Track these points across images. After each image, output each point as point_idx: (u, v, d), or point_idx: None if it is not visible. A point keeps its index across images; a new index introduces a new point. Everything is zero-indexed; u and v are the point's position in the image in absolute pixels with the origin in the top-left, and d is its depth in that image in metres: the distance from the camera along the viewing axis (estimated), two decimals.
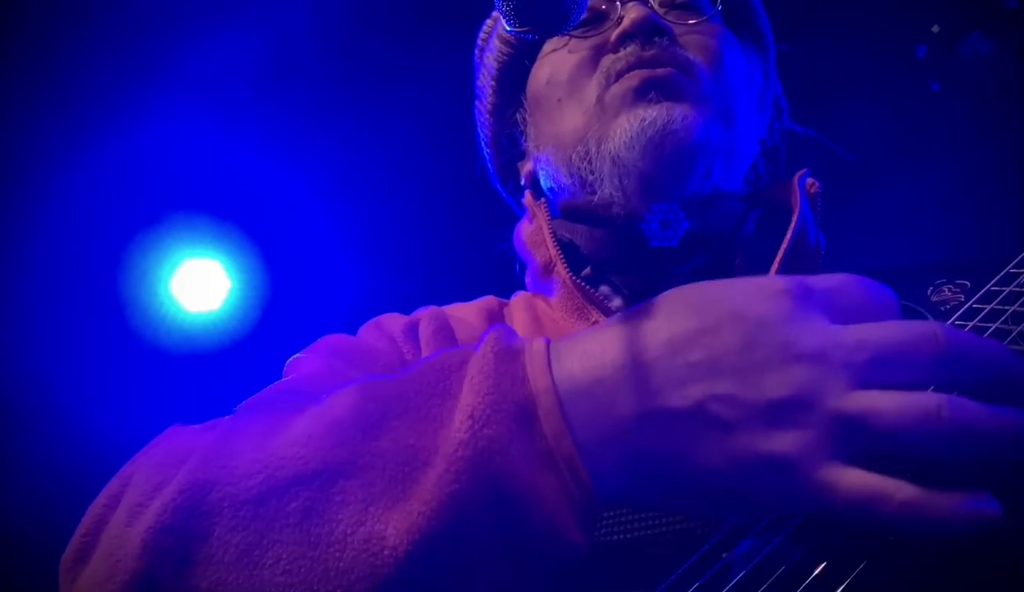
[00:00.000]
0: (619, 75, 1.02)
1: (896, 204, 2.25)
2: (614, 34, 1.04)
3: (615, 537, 0.59)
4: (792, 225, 1.00)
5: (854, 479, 0.46)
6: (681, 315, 0.52)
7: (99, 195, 2.34)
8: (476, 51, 1.29)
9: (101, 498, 0.60)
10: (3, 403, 2.27)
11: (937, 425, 0.45)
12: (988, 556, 0.45)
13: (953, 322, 0.66)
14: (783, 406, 0.47)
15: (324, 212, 2.60)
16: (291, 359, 0.98)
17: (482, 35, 1.27)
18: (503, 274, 1.32)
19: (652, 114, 0.96)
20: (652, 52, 1.01)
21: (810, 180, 1.07)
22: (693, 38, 1.06)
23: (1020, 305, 0.64)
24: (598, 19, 1.09)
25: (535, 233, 1.10)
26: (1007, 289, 0.67)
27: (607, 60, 1.04)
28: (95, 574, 0.53)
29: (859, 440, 0.46)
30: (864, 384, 0.47)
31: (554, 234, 1.05)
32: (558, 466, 0.50)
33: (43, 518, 2.04)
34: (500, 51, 1.20)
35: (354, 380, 0.69)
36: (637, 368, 0.51)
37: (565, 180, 1.09)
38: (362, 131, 2.52)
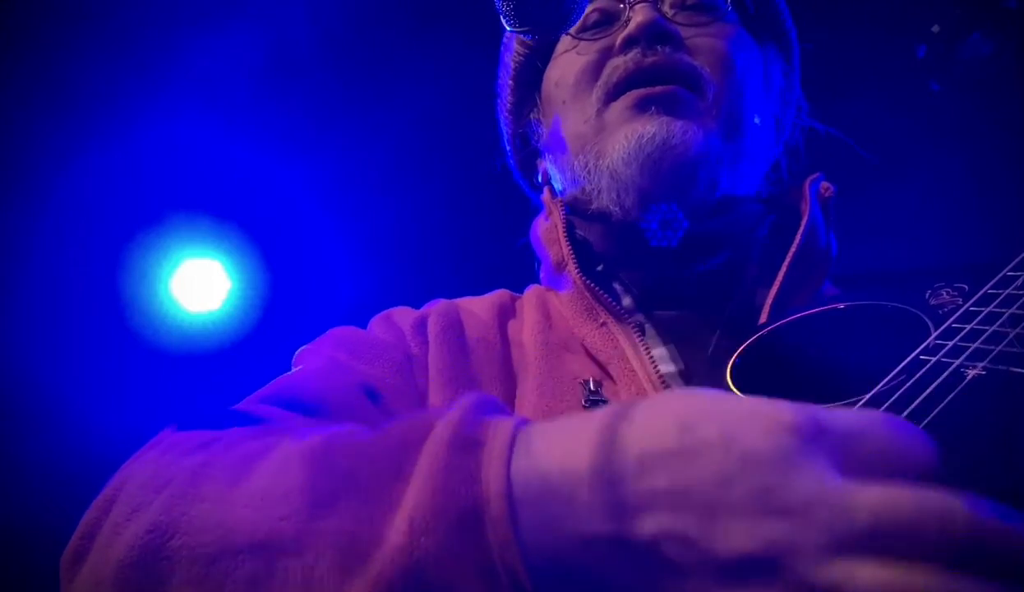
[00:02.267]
0: (617, 86, 1.02)
1: (895, 204, 2.25)
2: (619, 37, 1.04)
3: None
4: (800, 230, 1.00)
5: None
6: (663, 429, 0.46)
7: (99, 195, 2.34)
8: (501, 49, 1.29)
9: (97, 502, 0.63)
10: (3, 403, 2.27)
11: None
12: None
13: (951, 325, 0.66)
14: (745, 562, 0.41)
15: (324, 212, 2.59)
16: (299, 350, 0.99)
17: (507, 34, 1.27)
18: (504, 274, 1.32)
19: (651, 130, 0.96)
20: (653, 60, 1.01)
21: (825, 184, 1.08)
22: (702, 41, 1.05)
23: (1018, 308, 0.64)
24: (609, 20, 1.08)
25: (550, 230, 1.10)
26: (1004, 292, 0.67)
27: (609, 66, 1.04)
28: (85, 586, 0.58)
29: None
30: (847, 552, 0.39)
31: (568, 232, 1.06)
32: (498, 577, 0.46)
33: (43, 518, 2.04)
34: (517, 52, 1.21)
35: (341, 413, 0.69)
36: (600, 483, 0.45)
37: (568, 184, 1.10)
38: (362, 130, 2.52)
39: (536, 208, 1.29)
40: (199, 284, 2.56)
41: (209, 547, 0.53)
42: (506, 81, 1.25)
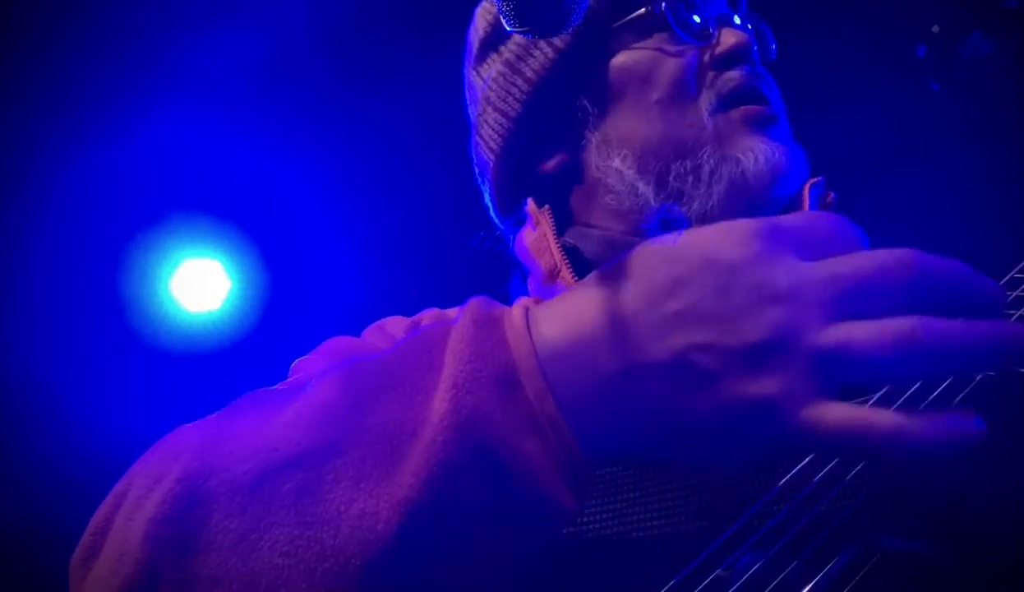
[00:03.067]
0: (731, 96, 1.03)
1: (895, 204, 2.25)
2: (719, 49, 1.05)
3: (605, 531, 0.59)
4: None
5: (839, 413, 0.46)
6: (655, 267, 0.52)
7: (99, 195, 2.34)
8: (477, 66, 1.22)
9: (108, 499, 0.60)
10: (3, 403, 2.27)
11: (914, 346, 0.45)
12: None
13: None
14: (762, 349, 0.47)
15: (324, 212, 2.60)
16: (296, 362, 0.99)
17: (483, 35, 1.20)
18: (503, 273, 1.32)
19: (776, 155, 1.01)
20: (761, 81, 1.05)
21: (829, 194, 1.10)
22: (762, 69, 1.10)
23: None
24: (692, 30, 1.07)
25: (539, 240, 1.09)
26: (1012, 294, 0.67)
27: (713, 75, 1.04)
28: (101, 570, 0.54)
29: (840, 373, 0.46)
30: (839, 317, 0.47)
31: (558, 240, 1.06)
32: (542, 428, 0.50)
33: (43, 517, 2.04)
34: (545, 56, 1.12)
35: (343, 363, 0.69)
36: (616, 324, 0.51)
37: (643, 186, 1.05)
38: (362, 130, 2.52)
39: (501, 235, 1.26)
40: (199, 284, 2.56)
41: (250, 473, 0.52)
42: (516, 91, 1.15)
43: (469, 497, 0.49)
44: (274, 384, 0.88)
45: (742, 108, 1.03)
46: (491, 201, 1.29)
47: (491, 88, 1.19)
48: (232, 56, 2.27)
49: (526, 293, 1.17)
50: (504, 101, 1.18)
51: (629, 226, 1.06)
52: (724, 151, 1.02)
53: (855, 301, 0.47)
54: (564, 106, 1.14)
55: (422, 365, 0.55)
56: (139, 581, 0.51)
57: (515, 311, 0.56)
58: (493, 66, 1.19)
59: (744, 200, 1.01)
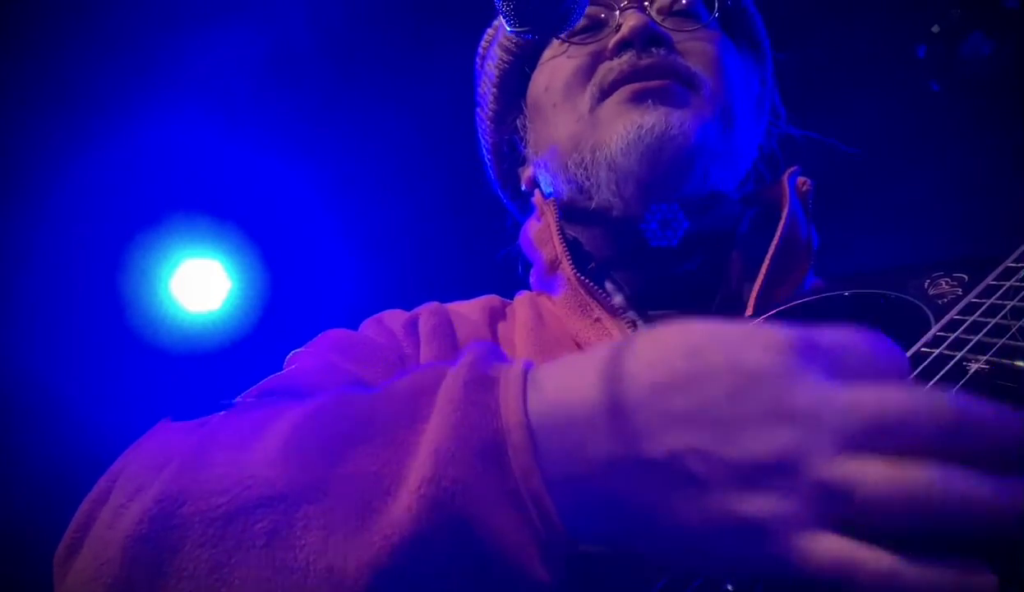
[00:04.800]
0: (612, 85, 1.03)
1: (896, 204, 2.25)
2: (612, 41, 1.05)
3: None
4: (781, 223, 1.01)
5: (829, 546, 0.42)
6: (671, 357, 0.49)
7: (99, 195, 2.34)
8: (477, 60, 1.30)
9: (91, 495, 0.61)
10: (3, 403, 2.27)
11: (928, 503, 0.41)
12: None
13: (953, 317, 0.66)
14: (763, 467, 0.44)
15: (324, 212, 2.59)
16: (291, 354, 0.99)
17: (483, 44, 1.28)
18: (505, 273, 1.32)
19: (650, 121, 0.97)
20: (648, 61, 1.02)
21: (801, 179, 1.09)
22: (693, 45, 1.07)
23: (1020, 300, 0.64)
24: (597, 26, 1.10)
25: (542, 231, 1.11)
26: (1007, 284, 0.67)
27: (602, 68, 1.05)
28: (83, 572, 0.54)
29: (841, 509, 0.43)
30: (855, 449, 0.43)
31: (561, 231, 1.06)
32: (525, 505, 0.48)
33: (43, 517, 2.04)
34: (501, 59, 1.21)
35: (333, 388, 0.68)
36: (615, 409, 0.48)
37: (563, 185, 1.10)
38: (362, 130, 2.51)
39: (516, 221, 1.30)
40: (199, 284, 2.55)
41: (224, 507, 0.52)
42: (488, 89, 1.24)
43: (440, 566, 0.48)
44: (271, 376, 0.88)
45: (621, 89, 1.02)
46: (497, 191, 1.34)
47: (480, 85, 1.27)
48: (232, 56, 2.27)
49: (526, 288, 1.19)
50: (483, 98, 1.27)
51: (609, 226, 1.07)
52: (597, 138, 1.02)
53: (876, 436, 0.43)
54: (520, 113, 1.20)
55: (406, 417, 0.53)
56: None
57: (513, 372, 0.53)
58: (483, 65, 1.27)
59: (633, 185, 0.99)
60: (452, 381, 0.53)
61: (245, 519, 0.51)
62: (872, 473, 0.42)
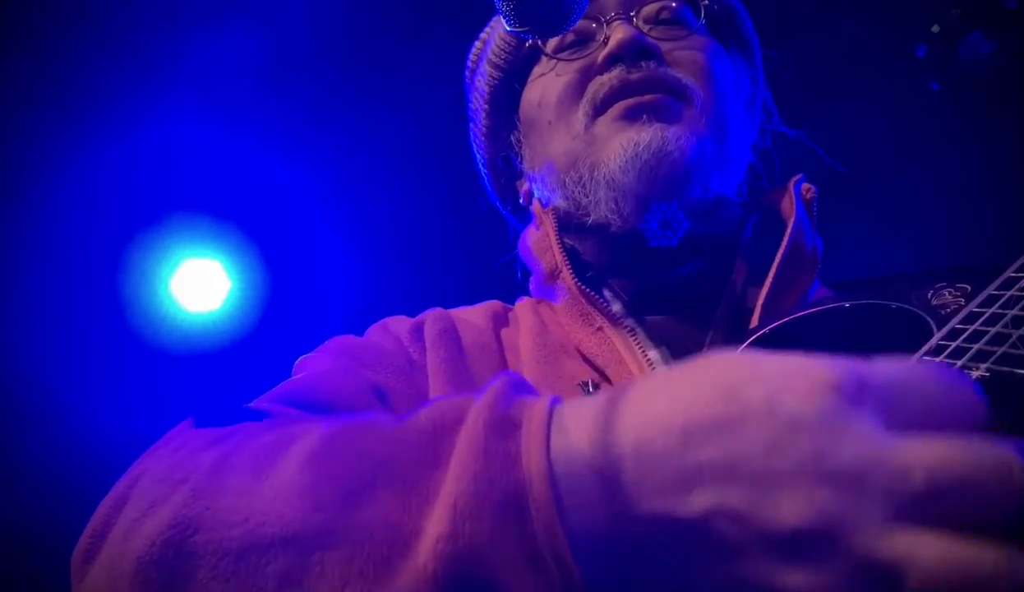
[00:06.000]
0: (605, 101, 1.03)
1: (896, 204, 2.25)
2: (601, 56, 1.05)
3: None
4: (788, 231, 1.01)
5: None
6: (705, 397, 0.44)
7: (99, 195, 2.34)
8: (467, 73, 1.30)
9: (109, 499, 0.61)
10: (3, 403, 2.27)
11: (989, 589, 0.35)
12: None
13: (954, 326, 0.66)
14: (801, 537, 0.39)
15: (324, 212, 2.60)
16: (300, 359, 0.99)
17: (471, 58, 1.29)
18: (505, 273, 1.32)
19: (646, 137, 0.97)
20: (639, 75, 1.02)
21: (806, 185, 1.08)
22: (682, 54, 1.07)
23: (1020, 309, 0.64)
24: (584, 40, 1.10)
25: (542, 239, 1.11)
26: (1008, 293, 0.67)
27: (594, 84, 1.05)
28: (98, 584, 0.55)
29: (887, 589, 0.37)
30: (908, 519, 0.38)
31: (560, 241, 1.06)
32: (545, 562, 0.45)
33: (43, 518, 2.04)
34: (491, 75, 1.21)
35: (351, 401, 0.67)
36: (645, 458, 0.44)
37: (560, 201, 1.10)
38: (363, 130, 2.52)
39: (517, 231, 1.30)
40: (199, 284, 2.56)
41: (236, 542, 0.51)
42: (480, 105, 1.24)
43: None
44: (274, 385, 0.88)
45: (614, 106, 1.02)
46: (496, 204, 1.34)
47: (472, 101, 1.27)
48: (232, 56, 2.27)
49: (527, 292, 1.19)
50: (476, 114, 1.28)
51: (607, 237, 1.07)
52: (595, 156, 1.02)
53: (935, 503, 0.37)
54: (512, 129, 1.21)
55: (427, 459, 0.51)
56: None
57: (537, 414, 0.49)
58: (473, 79, 1.27)
59: (632, 202, 1.00)
60: (473, 423, 0.50)
61: (258, 557, 0.50)
62: (927, 552, 0.37)
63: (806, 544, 0.39)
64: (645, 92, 1.01)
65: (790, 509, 0.39)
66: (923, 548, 0.37)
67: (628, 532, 0.44)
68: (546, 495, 0.46)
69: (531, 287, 1.18)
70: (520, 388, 0.54)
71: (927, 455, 0.38)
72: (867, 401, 0.41)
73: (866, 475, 0.38)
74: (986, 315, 0.65)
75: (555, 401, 0.51)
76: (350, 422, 0.57)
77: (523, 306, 1.13)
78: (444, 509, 0.47)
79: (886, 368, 0.43)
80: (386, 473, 0.51)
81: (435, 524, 0.46)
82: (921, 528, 0.37)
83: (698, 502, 0.42)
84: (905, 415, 0.41)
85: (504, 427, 0.49)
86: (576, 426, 0.48)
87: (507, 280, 1.29)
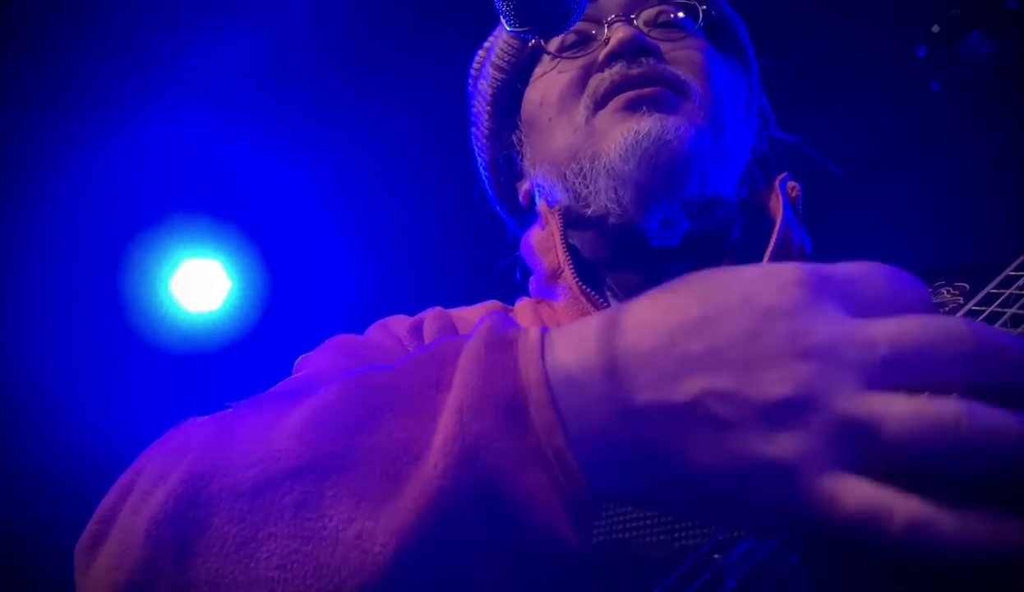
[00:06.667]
0: (605, 95, 1.05)
1: (896, 204, 2.25)
2: (602, 54, 1.08)
3: (612, 537, 0.58)
4: (776, 229, 1.02)
5: (857, 491, 0.41)
6: (688, 301, 0.49)
7: (99, 195, 2.34)
8: (470, 81, 1.32)
9: (115, 488, 0.61)
10: (3, 403, 2.27)
11: (956, 436, 0.39)
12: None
13: None
14: (784, 406, 0.43)
15: (324, 212, 2.60)
16: (300, 358, 0.99)
17: (475, 66, 1.31)
18: (505, 273, 1.32)
19: (645, 126, 0.99)
20: (638, 70, 1.04)
21: (791, 184, 1.10)
22: (680, 54, 1.10)
23: (1019, 308, 0.64)
24: (585, 41, 1.12)
25: (546, 239, 1.12)
26: (1007, 292, 0.67)
27: (595, 80, 1.07)
28: (106, 560, 0.55)
29: (867, 448, 0.42)
30: (877, 385, 0.42)
31: (564, 240, 1.08)
32: (548, 461, 0.48)
33: (43, 518, 2.04)
34: (494, 77, 1.23)
35: (353, 370, 0.68)
36: (634, 358, 0.48)
37: (561, 195, 1.11)
38: (363, 130, 2.52)
39: (515, 234, 1.31)
40: (199, 284, 2.56)
41: (252, 481, 0.52)
42: (483, 108, 1.26)
43: (468, 526, 0.48)
44: (276, 383, 0.88)
45: (615, 99, 1.04)
46: (496, 207, 1.35)
47: (474, 105, 1.30)
48: (232, 56, 2.27)
49: (527, 292, 1.20)
50: (478, 116, 1.29)
51: (606, 230, 1.08)
52: (595, 147, 1.04)
53: (898, 370, 0.42)
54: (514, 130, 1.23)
55: (431, 382, 0.54)
56: (140, 578, 0.52)
57: (530, 334, 0.54)
58: (476, 85, 1.29)
59: (632, 191, 1.01)
60: (473, 344, 0.54)
61: (274, 491, 0.51)
62: (895, 407, 0.41)
63: (789, 412, 0.43)
64: (645, 85, 1.03)
65: (772, 383, 0.44)
66: (893, 405, 0.41)
67: (623, 426, 0.48)
68: (544, 397, 0.50)
69: (531, 287, 1.18)
70: (511, 321, 0.58)
71: (889, 329, 0.44)
72: (831, 293, 0.46)
73: (837, 349, 0.43)
74: (985, 313, 0.65)
75: (545, 328, 0.56)
76: (355, 373, 0.60)
77: (523, 306, 1.14)
78: (451, 414, 0.50)
79: (844, 265, 0.49)
80: (392, 399, 0.54)
81: (443, 429, 0.50)
82: (891, 391, 0.42)
83: (689, 388, 0.46)
84: (865, 303, 0.46)
85: (502, 345, 0.53)
86: (567, 342, 0.52)
87: (507, 280, 1.29)
